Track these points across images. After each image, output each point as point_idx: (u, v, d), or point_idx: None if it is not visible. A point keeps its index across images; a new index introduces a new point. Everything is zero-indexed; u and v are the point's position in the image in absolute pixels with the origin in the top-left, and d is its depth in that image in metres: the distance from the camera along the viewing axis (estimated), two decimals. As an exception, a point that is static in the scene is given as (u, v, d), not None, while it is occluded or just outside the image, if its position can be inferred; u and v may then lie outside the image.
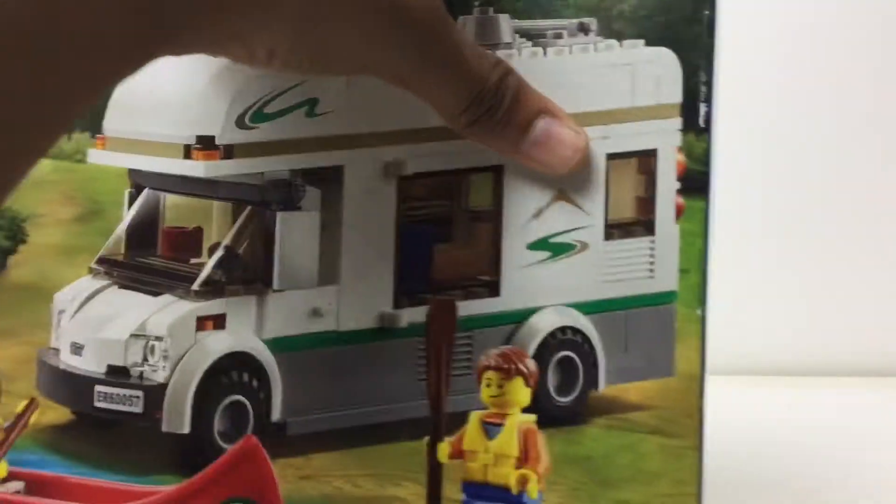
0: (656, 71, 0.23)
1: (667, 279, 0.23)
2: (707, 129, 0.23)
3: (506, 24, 0.24)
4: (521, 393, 0.23)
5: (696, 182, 0.23)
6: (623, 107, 0.24)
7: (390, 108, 0.25)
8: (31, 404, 0.27)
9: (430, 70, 0.21)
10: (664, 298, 0.24)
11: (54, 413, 0.27)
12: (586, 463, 0.23)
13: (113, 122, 0.27)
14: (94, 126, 0.27)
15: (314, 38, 0.20)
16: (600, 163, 0.24)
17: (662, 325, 0.23)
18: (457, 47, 0.21)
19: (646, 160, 0.24)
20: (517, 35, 0.24)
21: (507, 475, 0.23)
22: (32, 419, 0.27)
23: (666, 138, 0.24)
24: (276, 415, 0.25)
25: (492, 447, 0.23)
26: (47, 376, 0.27)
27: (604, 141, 0.24)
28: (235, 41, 0.20)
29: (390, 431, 0.24)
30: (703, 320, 0.22)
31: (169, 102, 0.27)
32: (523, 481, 0.23)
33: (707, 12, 0.23)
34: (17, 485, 0.27)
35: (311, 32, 0.20)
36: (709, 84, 0.23)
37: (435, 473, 0.23)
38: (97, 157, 0.27)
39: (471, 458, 0.23)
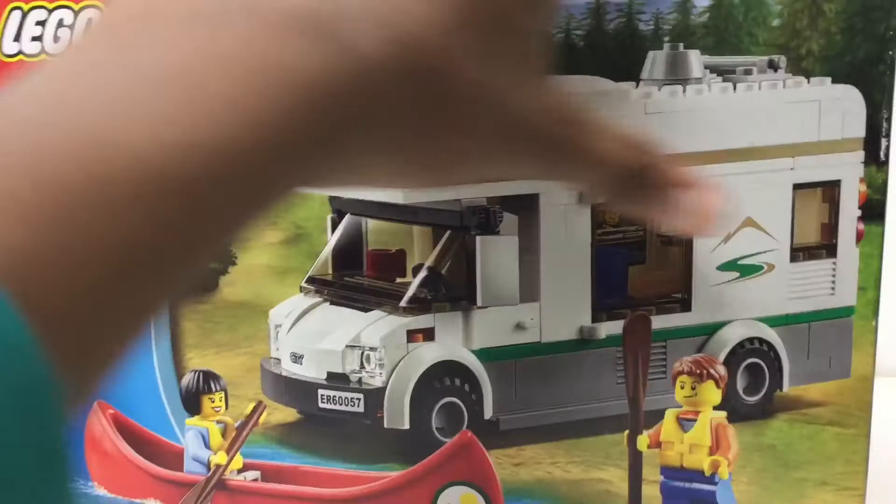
0: (842, 107, 0.37)
1: (847, 296, 0.38)
2: (886, 162, 0.37)
3: (696, 59, 0.37)
4: (713, 394, 0.39)
5: (874, 210, 0.37)
6: (810, 140, 0.37)
7: None
8: (259, 406, 0.44)
9: (562, 176, 0.31)
10: (844, 313, 0.38)
11: (281, 413, 0.44)
12: (771, 450, 0.39)
13: None
14: None
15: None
16: (787, 192, 0.38)
17: (841, 335, 0.38)
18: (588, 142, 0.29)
19: (830, 190, 0.38)
20: (707, 70, 0.37)
21: (701, 461, 0.40)
22: (261, 419, 0.44)
23: (849, 170, 0.37)
24: (488, 413, 0.42)
25: (686, 438, 0.40)
26: (271, 382, 0.44)
27: (791, 172, 0.38)
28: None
29: (593, 426, 0.41)
30: (875, 329, 0.37)
31: None
32: (715, 465, 0.39)
33: (891, 52, 0.36)
34: (254, 473, 0.45)
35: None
36: (889, 120, 0.36)
37: (635, 459, 0.40)
38: None
39: (667, 448, 0.40)
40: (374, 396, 0.42)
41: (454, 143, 0.25)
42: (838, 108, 0.37)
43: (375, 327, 0.42)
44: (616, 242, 0.40)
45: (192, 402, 0.44)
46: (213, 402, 0.44)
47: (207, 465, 0.44)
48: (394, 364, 0.42)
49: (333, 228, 0.43)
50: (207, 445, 0.44)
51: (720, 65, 0.37)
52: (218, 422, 0.44)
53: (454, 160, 0.25)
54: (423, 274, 0.41)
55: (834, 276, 0.39)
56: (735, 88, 0.37)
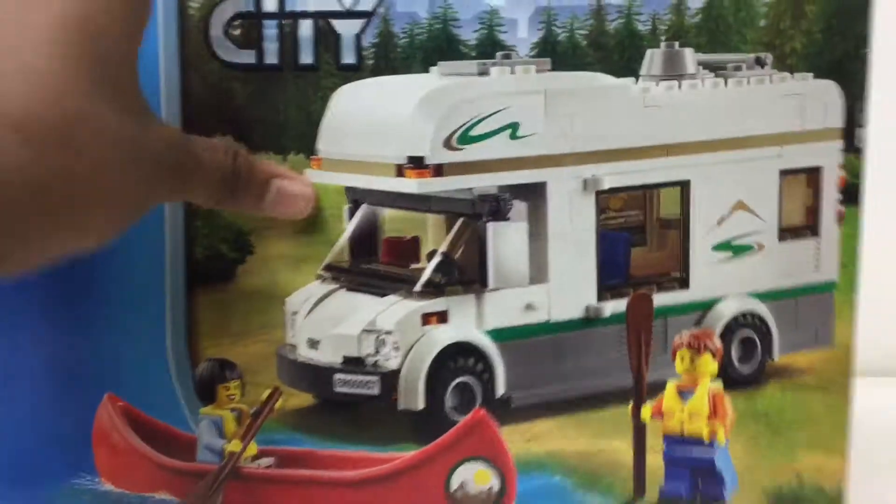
0: (822, 100, 0.41)
1: (829, 272, 0.43)
2: (861, 150, 0.41)
3: (690, 57, 0.42)
4: (710, 365, 0.43)
5: (853, 193, 0.42)
6: (794, 130, 0.42)
7: (586, 131, 0.42)
8: (275, 392, 0.46)
9: (185, 189, 0.36)
10: (827, 287, 0.43)
11: (297, 399, 0.46)
12: (762, 417, 0.43)
13: (327, 144, 0.44)
14: (308, 148, 0.44)
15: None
16: (775, 177, 0.42)
17: (825, 307, 0.43)
18: (195, 157, 0.35)
19: (813, 175, 0.42)
20: (700, 67, 0.42)
21: (700, 428, 0.43)
22: (278, 405, 0.46)
23: (830, 157, 0.42)
24: (500, 391, 0.44)
25: (686, 408, 0.43)
26: (287, 368, 0.46)
27: (778, 159, 0.42)
28: None
29: (600, 399, 0.44)
30: (855, 304, 0.42)
31: (379, 126, 0.44)
32: (713, 432, 0.43)
33: (865, 50, 0.40)
34: (268, 460, 0.46)
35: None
36: (864, 111, 0.41)
37: (640, 430, 0.44)
38: (314, 176, 0.44)
39: (669, 418, 0.44)
40: (390, 379, 0.45)
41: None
42: (819, 101, 0.42)
43: (391, 312, 0.44)
44: (619, 226, 0.44)
45: (206, 391, 0.46)
46: (227, 390, 0.46)
47: (221, 454, 0.46)
48: (409, 347, 0.44)
49: (350, 217, 0.45)
50: (222, 434, 0.46)
51: (712, 62, 0.42)
52: (233, 409, 0.46)
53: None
54: (436, 259, 0.44)
55: (818, 253, 0.43)
56: (726, 83, 0.42)
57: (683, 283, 0.44)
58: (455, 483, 0.45)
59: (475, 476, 0.45)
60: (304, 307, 0.45)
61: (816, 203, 0.43)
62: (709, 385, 0.44)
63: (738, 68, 0.42)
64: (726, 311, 0.44)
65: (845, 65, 0.41)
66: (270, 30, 0.43)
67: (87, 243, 0.36)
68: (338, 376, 0.45)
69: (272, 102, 0.44)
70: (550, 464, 0.45)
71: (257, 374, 0.46)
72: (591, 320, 0.44)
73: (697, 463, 0.44)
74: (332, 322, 0.45)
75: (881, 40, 0.40)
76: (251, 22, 0.43)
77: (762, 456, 0.44)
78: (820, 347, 0.44)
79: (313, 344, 0.45)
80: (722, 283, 0.44)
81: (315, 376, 0.45)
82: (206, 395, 0.46)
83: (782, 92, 0.42)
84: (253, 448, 0.46)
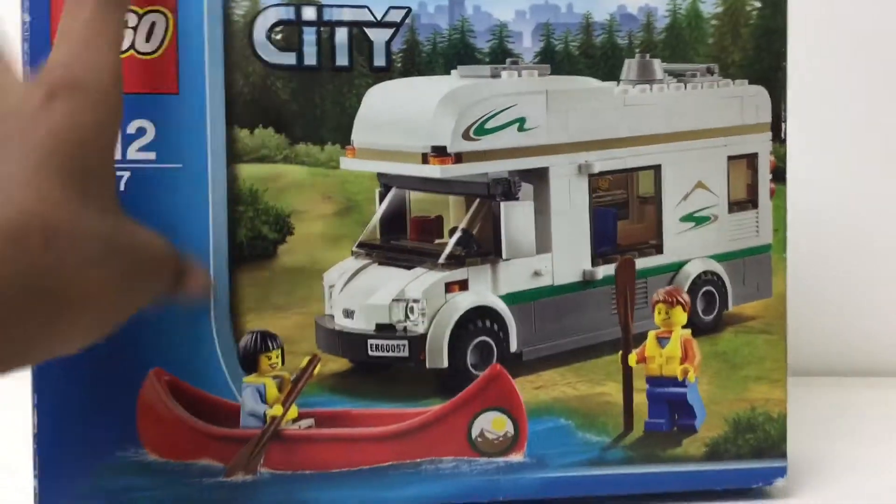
0: (756, 101, 0.53)
1: (766, 236, 0.54)
2: (785, 140, 0.53)
3: (658, 66, 0.52)
4: (681, 316, 0.52)
5: (780, 174, 0.53)
6: (736, 124, 0.53)
7: (580, 125, 0.51)
8: (314, 359, 0.50)
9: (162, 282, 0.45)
10: (765, 249, 0.54)
11: (334, 364, 0.50)
12: (722, 356, 0.53)
13: (360, 135, 0.50)
14: (343, 139, 0.50)
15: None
16: (723, 162, 0.53)
17: (764, 265, 0.54)
18: (157, 262, 0.44)
19: (752, 160, 0.54)
20: (666, 74, 0.52)
21: (675, 369, 0.52)
22: (316, 371, 0.50)
23: (763, 146, 0.54)
24: (513, 347, 0.52)
25: (664, 353, 0.52)
26: (325, 336, 0.50)
27: (725, 147, 0.53)
28: None
29: (595, 350, 0.52)
30: (785, 261, 0.53)
31: (407, 120, 0.50)
32: (685, 372, 0.52)
33: (784, 63, 0.52)
34: (308, 421, 0.50)
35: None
36: (785, 110, 0.53)
37: (628, 374, 0.52)
38: (349, 164, 0.50)
39: (650, 362, 0.53)
40: (418, 342, 0.51)
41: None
42: (753, 102, 0.53)
43: (418, 282, 0.51)
44: (607, 203, 0.53)
45: (249, 362, 0.50)
46: (269, 359, 0.50)
47: (263, 419, 0.50)
48: (434, 312, 0.51)
49: (381, 200, 0.51)
50: (264, 400, 0.50)
51: (674, 70, 0.53)
52: (274, 377, 0.50)
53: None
54: (457, 235, 0.51)
55: (757, 222, 0.55)
56: (686, 87, 0.53)
57: (658, 249, 0.54)
58: (476, 431, 0.52)
59: (493, 423, 0.52)
60: (339, 281, 0.51)
61: (754, 182, 0.55)
62: (680, 333, 0.53)
63: (693, 75, 0.53)
64: (692, 270, 0.54)
65: (770, 74, 0.53)
66: (310, 36, 0.50)
67: (71, 345, 0.40)
68: (371, 342, 0.51)
69: (311, 99, 0.50)
70: (556, 408, 0.52)
71: (297, 343, 0.51)
72: (587, 283, 0.53)
73: (673, 397, 0.54)
74: (366, 293, 0.51)
75: (793, 56, 0.53)
76: (292, 28, 0.49)
77: (723, 389, 0.54)
78: (762, 298, 0.55)
79: (348, 314, 0.51)
80: (687, 248, 0.55)
81: (350, 342, 0.51)
82: (249, 365, 0.50)
83: (726, 94, 0.53)
84: (294, 411, 0.51)
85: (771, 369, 0.54)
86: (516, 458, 0.52)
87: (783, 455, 0.54)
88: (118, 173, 0.48)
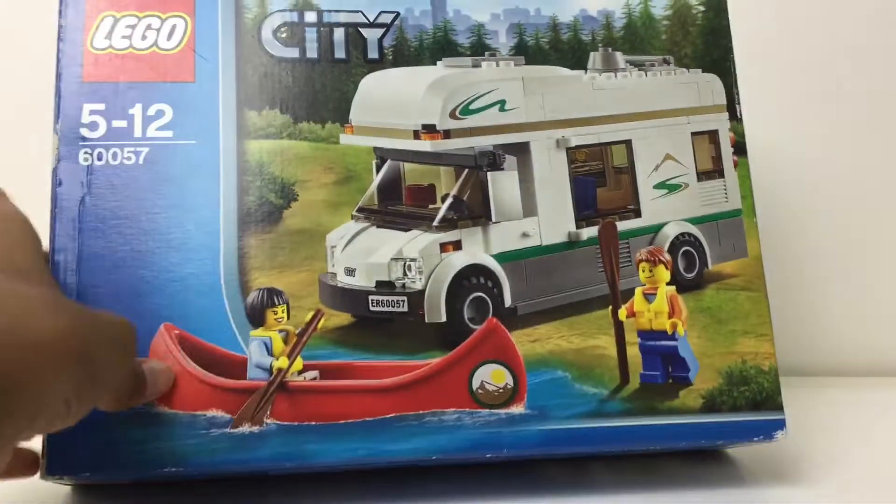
0: (710, 86, 0.60)
1: (735, 202, 0.59)
2: (741, 119, 0.59)
3: (620, 57, 0.59)
4: (664, 274, 0.56)
5: (740, 148, 0.59)
6: (694, 106, 0.59)
7: (555, 106, 0.57)
8: (318, 313, 0.53)
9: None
10: (735, 213, 0.59)
11: (337, 319, 0.53)
12: (707, 311, 0.56)
13: (358, 115, 0.56)
14: (342, 119, 0.56)
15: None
16: (688, 137, 0.59)
17: (737, 228, 0.58)
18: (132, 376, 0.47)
19: (713, 135, 0.60)
20: (628, 64, 0.59)
21: (664, 323, 0.55)
22: (320, 325, 0.52)
23: (722, 124, 0.60)
24: (507, 302, 0.54)
25: (652, 308, 0.55)
26: (328, 293, 0.53)
27: (688, 125, 0.59)
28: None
29: (586, 305, 0.55)
30: (756, 226, 0.57)
31: (400, 101, 0.56)
32: (674, 325, 0.54)
33: (731, 55, 0.60)
34: (313, 373, 0.52)
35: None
36: (738, 94, 0.59)
37: (619, 328, 0.55)
38: (347, 139, 0.56)
39: (639, 316, 0.55)
40: (416, 298, 0.53)
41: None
42: (708, 87, 0.60)
43: (414, 242, 0.54)
44: (585, 173, 0.57)
45: (257, 317, 0.52)
46: (276, 314, 0.52)
47: (270, 371, 0.51)
48: (430, 270, 0.54)
49: (377, 171, 0.56)
50: (270, 353, 0.51)
51: (635, 61, 0.59)
52: (280, 331, 0.52)
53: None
54: (449, 200, 0.56)
55: (725, 189, 0.59)
56: (646, 75, 0.59)
57: (637, 213, 0.59)
58: (476, 382, 0.53)
59: (492, 375, 0.53)
60: (341, 242, 0.54)
61: (718, 154, 0.60)
62: (665, 289, 0.56)
63: (652, 65, 0.60)
64: (670, 232, 0.58)
65: (720, 64, 0.61)
66: (311, 34, 0.57)
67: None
68: (372, 297, 0.54)
69: (312, 84, 0.56)
70: (552, 360, 0.54)
71: (302, 298, 0.53)
72: (572, 243, 0.57)
73: (665, 350, 0.55)
74: (366, 253, 0.54)
75: (738, 50, 0.60)
76: (295, 28, 0.56)
77: (712, 343, 0.56)
78: (739, 258, 0.58)
79: (350, 272, 0.54)
80: (664, 211, 0.59)
81: (352, 298, 0.53)
82: (256, 320, 0.52)
83: (683, 80, 0.60)
84: (299, 363, 0.52)
85: (756, 324, 0.57)
86: (517, 409, 0.53)
87: (780, 408, 0.55)
88: (138, 149, 0.54)
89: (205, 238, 0.53)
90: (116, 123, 0.54)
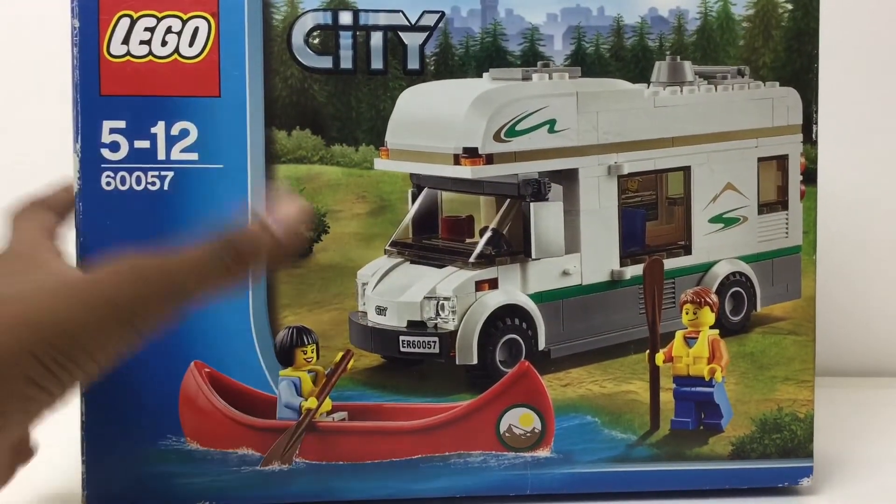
0: (787, 103, 0.55)
1: (795, 238, 0.56)
2: (816, 141, 0.55)
3: (689, 68, 0.54)
4: (709, 316, 0.55)
5: (811, 175, 0.55)
6: (766, 126, 0.55)
7: (610, 126, 0.54)
8: (348, 354, 0.54)
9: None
10: (794, 250, 0.56)
11: (367, 359, 0.54)
12: (749, 357, 0.55)
13: (394, 136, 0.53)
14: (378, 141, 0.53)
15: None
16: (754, 163, 0.55)
17: (794, 267, 0.56)
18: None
19: (781, 161, 0.56)
20: (697, 76, 0.54)
21: (702, 369, 0.55)
22: (350, 365, 0.54)
23: (793, 147, 0.56)
24: (541, 345, 0.54)
25: (691, 353, 0.55)
26: (358, 332, 0.54)
27: (756, 149, 0.55)
28: None
29: (622, 349, 0.55)
30: (815, 263, 0.55)
31: (440, 121, 0.53)
32: (712, 372, 0.55)
33: (815, 65, 0.54)
34: (342, 414, 0.54)
35: None
36: (816, 112, 0.54)
37: (655, 373, 0.55)
38: (382, 164, 0.53)
39: (677, 361, 0.55)
40: (448, 339, 0.54)
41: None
42: (784, 103, 0.55)
43: (448, 280, 0.54)
44: (636, 204, 0.55)
45: (286, 356, 0.53)
46: (305, 353, 0.53)
47: (299, 411, 0.53)
48: (464, 310, 0.54)
49: (413, 200, 0.54)
50: (300, 393, 0.53)
51: (705, 72, 0.55)
52: (309, 371, 0.53)
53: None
54: (488, 234, 0.54)
55: (787, 223, 0.57)
56: (716, 89, 0.55)
57: (687, 249, 0.57)
58: (504, 426, 0.55)
59: (520, 419, 0.55)
60: (373, 279, 0.54)
61: (785, 183, 0.57)
62: (708, 333, 0.56)
63: (724, 77, 0.55)
64: (720, 271, 0.57)
65: (802, 76, 0.55)
66: (346, 40, 0.53)
67: None
68: (403, 338, 0.54)
69: (346, 101, 0.53)
70: (583, 405, 0.55)
71: (332, 338, 0.54)
72: (614, 282, 0.56)
73: (700, 397, 0.56)
74: (398, 291, 0.54)
75: (826, 59, 0.55)
76: (328, 33, 0.53)
77: (750, 389, 0.56)
78: (791, 299, 0.57)
79: (381, 310, 0.54)
80: (717, 248, 0.57)
81: (383, 339, 0.54)
82: (285, 359, 0.54)
83: (757, 96, 0.55)
84: (328, 404, 0.54)
85: (799, 370, 0.56)
86: (543, 453, 0.55)
87: (810, 455, 0.56)
88: (162, 173, 0.52)
89: (233, 273, 0.53)
90: (139, 144, 0.52)
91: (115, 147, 0.52)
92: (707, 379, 0.56)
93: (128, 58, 0.52)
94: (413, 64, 0.53)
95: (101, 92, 0.52)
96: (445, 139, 0.54)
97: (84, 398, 0.52)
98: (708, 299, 0.56)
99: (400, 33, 0.53)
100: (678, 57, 0.55)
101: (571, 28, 0.54)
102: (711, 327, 0.56)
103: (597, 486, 0.55)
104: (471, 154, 0.54)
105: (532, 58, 0.54)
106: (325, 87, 0.53)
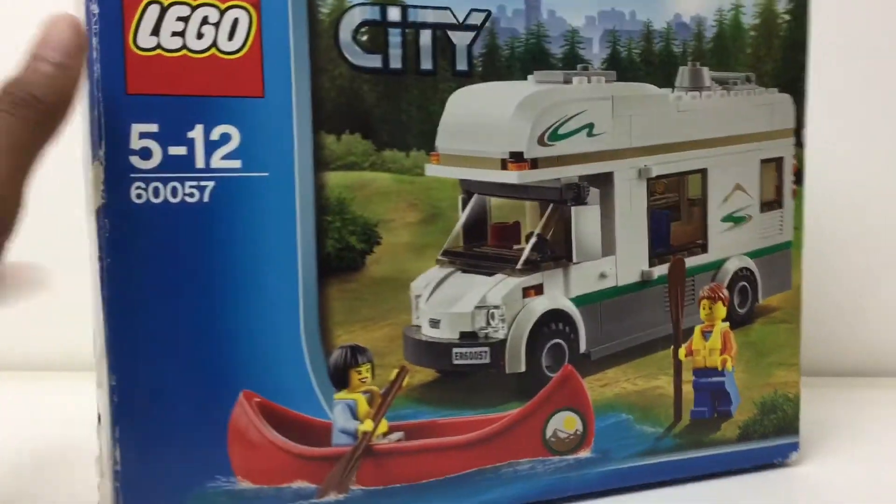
0: (783, 108, 0.59)
1: (788, 234, 0.60)
2: (803, 145, 0.59)
3: (707, 74, 0.56)
4: (722, 311, 0.58)
5: (799, 176, 0.60)
6: (767, 130, 0.58)
7: (642, 130, 0.54)
8: (403, 371, 0.50)
9: None
10: (787, 245, 0.61)
11: (421, 375, 0.51)
12: (752, 346, 0.59)
13: (444, 141, 0.50)
14: (428, 145, 0.50)
15: None
16: (757, 165, 0.58)
17: (787, 260, 0.60)
18: None
19: (778, 163, 0.59)
20: (714, 81, 0.56)
21: (716, 360, 0.58)
22: (404, 383, 0.50)
23: (787, 150, 0.60)
24: (582, 348, 0.54)
25: (707, 346, 0.57)
26: (412, 347, 0.50)
27: (759, 151, 0.58)
28: None
29: (651, 346, 0.56)
30: (801, 257, 0.60)
31: (487, 125, 0.51)
32: (724, 362, 0.58)
33: (804, 73, 0.58)
34: (398, 434, 0.51)
35: None
36: (804, 116, 0.59)
37: (678, 367, 0.57)
38: (433, 170, 0.50)
39: (696, 354, 0.58)
40: (498, 348, 0.53)
41: None
42: (781, 108, 0.59)
43: (498, 289, 0.52)
44: (662, 206, 0.56)
45: (340, 378, 0.49)
46: (360, 374, 0.50)
47: (355, 435, 0.49)
48: (512, 318, 0.53)
49: (463, 207, 0.52)
50: (355, 416, 0.49)
51: (720, 78, 0.57)
52: (364, 392, 0.50)
53: None
54: (533, 240, 0.53)
55: (782, 221, 0.61)
56: (729, 94, 0.57)
57: (704, 248, 0.59)
58: (549, 431, 0.55)
59: (564, 422, 0.55)
60: (426, 291, 0.51)
61: (780, 183, 0.61)
62: (720, 326, 0.59)
63: (735, 83, 0.58)
64: (731, 267, 0.60)
65: (795, 83, 0.60)
66: (395, 38, 0.49)
67: None
68: (455, 350, 0.52)
69: (397, 103, 0.49)
70: (618, 404, 0.56)
71: (385, 355, 0.51)
72: (644, 283, 0.57)
73: (714, 387, 0.59)
74: (450, 302, 0.52)
75: (813, 68, 0.59)
76: (377, 29, 0.49)
77: (753, 376, 0.60)
78: (784, 290, 0.62)
79: (435, 323, 0.52)
80: (728, 246, 0.60)
81: (437, 352, 0.52)
82: (339, 381, 0.50)
83: (761, 102, 0.59)
84: (384, 425, 0.51)
85: (788, 355, 0.61)
86: (584, 454, 0.56)
87: (797, 431, 0.62)
88: (202, 183, 0.46)
89: (282, 291, 0.48)
90: (174, 150, 0.46)
91: (146, 154, 0.45)
92: (720, 369, 0.59)
93: (159, 51, 0.45)
94: (461, 65, 0.51)
95: (127, 90, 0.45)
96: (493, 143, 0.52)
97: (118, 442, 0.46)
98: (721, 294, 0.59)
99: (448, 32, 0.51)
100: (698, 63, 0.57)
101: (607, 31, 0.54)
102: (723, 321, 0.59)
103: (628, 480, 0.57)
104: (517, 158, 0.52)
105: (572, 61, 0.54)
106: (374, 87, 0.49)
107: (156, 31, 0.45)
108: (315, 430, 0.50)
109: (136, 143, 0.45)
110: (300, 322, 0.49)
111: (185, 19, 0.46)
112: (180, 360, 0.47)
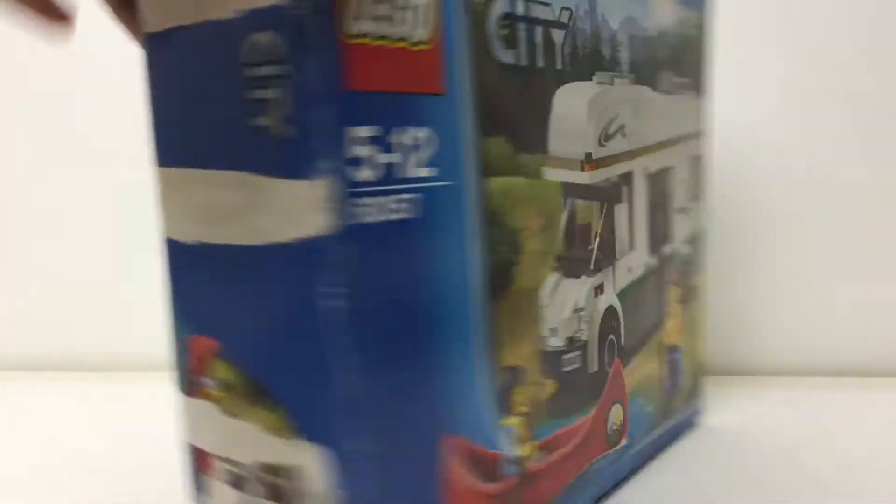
0: (702, 110, 0.65)
1: (705, 220, 0.67)
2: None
3: (670, 78, 0.60)
4: (677, 294, 0.63)
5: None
6: (696, 130, 0.64)
7: (646, 131, 0.56)
8: (543, 387, 0.45)
9: None
10: (704, 231, 0.67)
11: (547, 389, 0.46)
12: (690, 320, 0.65)
13: (552, 143, 0.46)
14: (544, 146, 0.46)
15: None
16: (690, 161, 0.64)
17: (703, 243, 0.66)
18: None
19: (701, 160, 0.66)
20: (673, 86, 0.60)
21: (676, 338, 0.62)
22: (545, 397, 0.46)
23: (704, 148, 0.66)
24: (623, 341, 0.54)
25: (674, 326, 0.62)
26: (543, 360, 0.46)
27: (692, 149, 0.64)
28: None
29: (651, 332, 0.59)
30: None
31: (569, 124, 0.49)
32: (678, 338, 0.63)
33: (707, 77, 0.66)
34: (541, 453, 0.46)
35: None
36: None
37: (662, 349, 0.60)
38: (546, 174, 0.46)
39: (672, 335, 0.61)
40: (584, 350, 0.51)
41: None
42: (701, 110, 0.65)
43: (582, 290, 0.51)
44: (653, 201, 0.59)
45: (504, 402, 0.44)
46: (518, 396, 0.45)
47: (517, 462, 0.44)
48: (589, 318, 0.51)
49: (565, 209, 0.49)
50: (515, 441, 0.44)
51: (675, 82, 0.61)
52: (521, 415, 0.45)
53: None
54: (597, 240, 0.52)
55: (702, 210, 0.67)
56: (676, 96, 0.62)
57: (670, 238, 0.63)
58: (609, 426, 0.55)
59: (616, 415, 0.55)
60: (546, 300, 0.47)
61: (701, 179, 0.68)
62: (676, 307, 0.64)
63: (682, 86, 0.63)
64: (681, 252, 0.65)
65: (704, 87, 0.67)
66: (521, 32, 0.45)
67: None
68: (564, 357, 0.49)
69: (525, 101, 0.45)
70: (636, 391, 0.59)
71: (528, 372, 0.46)
72: (647, 275, 0.59)
73: (678, 361, 0.64)
74: (560, 309, 0.49)
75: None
76: (510, 23, 0.44)
77: (690, 347, 0.66)
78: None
79: (553, 332, 0.48)
80: (678, 235, 0.65)
81: (556, 362, 0.49)
82: (503, 406, 0.44)
83: (693, 104, 0.65)
84: (532, 447, 0.46)
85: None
86: (624, 441, 0.57)
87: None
88: (411, 196, 0.38)
89: (458, 313, 0.42)
90: (383, 158, 0.37)
91: (359, 163, 0.36)
92: (676, 345, 0.65)
93: (367, 39, 0.36)
94: (559, 64, 0.48)
95: (342, 85, 0.35)
96: (572, 143, 0.50)
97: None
98: (677, 278, 0.64)
99: (551, 29, 0.48)
100: (667, 69, 0.61)
101: (630, 36, 0.55)
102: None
103: (639, 460, 0.60)
104: (588, 159, 0.52)
105: (614, 63, 0.54)
106: (513, 85, 0.45)
107: (359, 14, 0.37)
108: (487, 461, 0.45)
109: (351, 150, 0.36)
110: (472, 345, 0.43)
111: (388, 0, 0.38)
112: (377, 394, 0.39)
